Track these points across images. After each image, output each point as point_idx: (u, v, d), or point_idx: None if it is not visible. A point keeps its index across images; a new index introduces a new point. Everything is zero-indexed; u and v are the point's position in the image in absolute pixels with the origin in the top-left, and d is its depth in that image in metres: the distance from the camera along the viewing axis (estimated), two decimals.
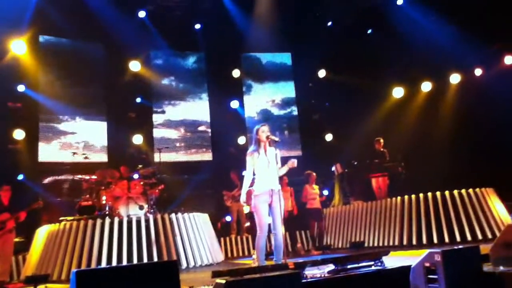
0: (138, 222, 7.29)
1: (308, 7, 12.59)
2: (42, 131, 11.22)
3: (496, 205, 7.83)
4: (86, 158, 9.06)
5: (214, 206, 11.76)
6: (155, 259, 6.94)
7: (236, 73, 13.54)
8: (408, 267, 3.77)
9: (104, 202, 8.08)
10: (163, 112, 13.05)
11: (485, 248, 3.91)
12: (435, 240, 7.43)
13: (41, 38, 11.55)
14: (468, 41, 9.90)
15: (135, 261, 6.82)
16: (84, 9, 10.73)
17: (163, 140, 12.67)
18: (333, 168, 10.26)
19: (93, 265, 6.66)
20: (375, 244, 8.29)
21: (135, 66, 12.06)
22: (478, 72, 11.02)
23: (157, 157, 10.56)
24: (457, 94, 11.32)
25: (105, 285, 2.72)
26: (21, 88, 10.66)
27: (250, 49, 13.70)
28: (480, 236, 7.30)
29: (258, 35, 12.57)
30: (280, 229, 4.88)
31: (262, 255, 4.89)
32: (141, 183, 8.60)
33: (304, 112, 13.99)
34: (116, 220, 7.19)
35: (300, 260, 4.49)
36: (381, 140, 9.76)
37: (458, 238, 7.34)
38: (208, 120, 13.38)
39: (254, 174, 5.03)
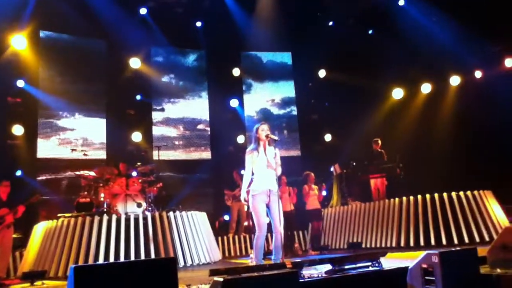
0: (136, 219, 7.28)
1: (309, 6, 12.59)
2: (41, 127, 11.20)
3: (494, 208, 7.85)
4: (85, 154, 9.04)
5: (212, 205, 11.77)
6: (153, 257, 6.93)
7: (236, 71, 13.55)
8: (406, 268, 3.77)
9: (102, 199, 8.08)
10: (163, 109, 13.05)
11: (482, 250, 3.91)
12: (433, 242, 7.44)
13: (42, 34, 11.53)
14: (468, 43, 9.93)
15: (132, 258, 6.80)
16: (85, 5, 10.74)
17: (162, 138, 12.67)
18: (332, 169, 10.27)
19: (90, 262, 6.64)
20: (373, 245, 8.30)
21: (135, 63, 12.05)
22: (478, 74, 11.03)
23: (156, 155, 10.56)
24: (456, 96, 11.33)
25: (103, 281, 2.72)
26: (20, 83, 10.63)
27: (250, 47, 13.71)
28: (477, 239, 7.31)
29: (259, 34, 12.57)
30: (279, 229, 4.87)
31: (260, 255, 4.89)
32: (140, 180, 8.59)
33: (304, 112, 14.00)
34: (114, 217, 7.18)
35: (298, 260, 4.49)
36: (379, 141, 9.78)
37: (455, 240, 7.36)
38: (208, 118, 13.38)
39: (252, 174, 5.03)
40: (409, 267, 3.72)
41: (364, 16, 12.35)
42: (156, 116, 12.92)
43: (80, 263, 6.66)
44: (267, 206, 4.95)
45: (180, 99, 13.30)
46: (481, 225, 7.47)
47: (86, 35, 11.84)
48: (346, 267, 3.94)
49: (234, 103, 13.26)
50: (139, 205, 8.13)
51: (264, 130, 5.03)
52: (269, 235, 5.01)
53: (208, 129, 13.36)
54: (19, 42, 10.41)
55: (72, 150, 9.38)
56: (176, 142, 12.99)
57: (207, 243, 8.04)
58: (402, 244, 7.76)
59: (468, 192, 7.75)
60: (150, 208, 8.20)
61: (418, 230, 7.67)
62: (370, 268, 4.01)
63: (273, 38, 12.83)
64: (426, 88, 11.91)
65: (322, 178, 10.27)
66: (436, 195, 7.77)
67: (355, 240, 8.60)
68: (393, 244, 7.89)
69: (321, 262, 4.01)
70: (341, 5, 12.41)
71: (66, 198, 10.21)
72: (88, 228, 7.03)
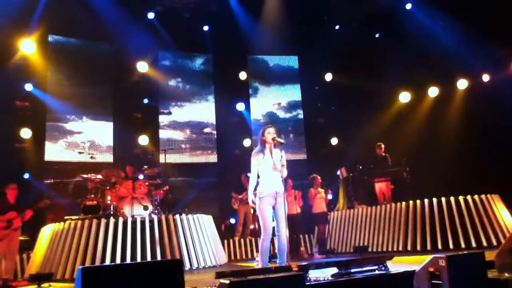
0: (143, 222, 7.30)
1: (316, 10, 12.61)
2: (49, 130, 11.29)
3: (502, 212, 7.80)
4: (92, 158, 9.10)
5: (218, 208, 11.77)
6: (159, 259, 6.94)
7: (242, 75, 13.57)
8: (412, 271, 3.75)
9: (109, 202, 8.11)
10: (169, 113, 13.10)
11: (490, 255, 3.88)
12: (440, 246, 7.40)
13: (50, 38, 11.64)
14: (475, 47, 9.89)
15: (138, 261, 6.82)
16: (92, 9, 10.82)
17: (168, 141, 12.71)
18: (338, 172, 10.26)
19: (97, 264, 6.67)
20: (379, 249, 8.26)
21: (142, 66, 12.11)
22: (485, 78, 10.97)
23: (163, 158, 10.59)
24: (464, 99, 11.28)
25: (110, 282, 2.73)
26: (29, 87, 10.73)
27: (257, 51, 13.74)
28: (485, 243, 7.27)
29: (265, 38, 12.61)
30: (284, 232, 4.87)
31: (265, 258, 4.89)
32: (146, 183, 8.64)
33: (310, 116, 13.98)
34: (121, 220, 7.21)
35: (304, 263, 4.48)
36: (382, 145, 9.75)
37: (462, 244, 7.32)
38: (214, 122, 13.42)
39: (258, 176, 5.03)
40: (416, 271, 3.70)
41: (370, 19, 12.34)
42: (163, 119, 12.98)
43: (87, 265, 6.69)
44: (273, 208, 4.95)
45: (187, 103, 13.36)
46: (489, 229, 7.42)
47: (94, 39, 11.94)
48: (353, 270, 3.92)
49: (240, 106, 13.29)
50: (145, 208, 8.17)
51: (270, 133, 5.03)
52: (274, 238, 4.99)
53: (215, 132, 13.39)
54: (28, 46, 10.51)
55: (80, 153, 9.44)
56: (183, 146, 13.03)
57: (213, 246, 8.04)
58: (408, 248, 7.73)
59: (476, 196, 7.71)
60: (156, 211, 8.23)
61: (425, 234, 7.64)
62: (377, 272, 3.99)
63: (280, 42, 12.86)
64: (433, 91, 11.86)
65: (328, 182, 10.26)
66: (443, 199, 7.73)
67: (361, 244, 8.56)
68: (400, 248, 7.85)
69: (327, 265, 4.00)
70: (347, 8, 12.41)
71: (73, 201, 10.26)
72: (95, 230, 7.06)
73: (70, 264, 6.87)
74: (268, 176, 4.97)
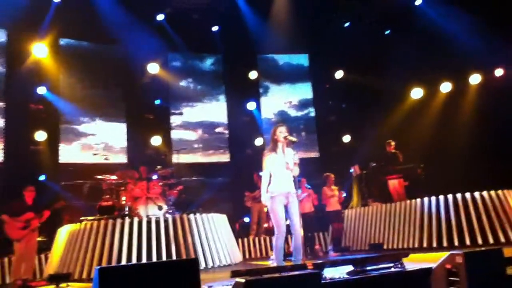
0: (157, 222, 7.35)
1: (325, 8, 12.55)
2: (63, 132, 11.43)
3: None
4: (106, 159, 9.18)
5: (232, 207, 11.80)
6: (174, 258, 6.98)
7: (253, 74, 13.58)
8: (429, 269, 3.73)
9: (124, 202, 8.18)
10: (181, 113, 13.16)
11: (508, 251, 3.84)
12: (456, 243, 7.32)
13: (62, 41, 11.77)
14: (488, 41, 9.75)
15: (154, 260, 6.88)
16: (103, 12, 10.91)
17: (181, 141, 12.78)
18: (352, 170, 10.21)
19: (113, 264, 6.74)
20: (395, 246, 8.21)
21: (153, 68, 12.19)
22: (499, 72, 10.83)
23: (175, 159, 10.66)
24: (477, 94, 11.14)
25: (127, 282, 2.76)
26: (42, 90, 10.86)
27: (267, 50, 13.74)
28: (503, 239, 7.16)
29: (275, 37, 12.60)
30: (299, 230, 4.86)
31: (280, 256, 4.89)
32: (160, 183, 8.69)
33: (321, 114, 13.94)
34: (136, 220, 7.27)
35: (319, 261, 4.48)
36: (392, 143, 9.66)
37: (480, 241, 7.22)
38: (226, 121, 13.46)
39: (271, 175, 5.02)
40: (433, 268, 3.67)
41: (380, 16, 12.25)
42: (175, 120, 13.05)
43: (104, 265, 6.76)
44: (286, 207, 4.95)
45: (198, 103, 13.41)
46: (506, 225, 7.31)
47: (105, 41, 12.03)
48: (368, 268, 3.90)
49: (251, 106, 13.30)
50: (160, 208, 8.22)
51: (282, 132, 5.03)
52: (289, 236, 4.99)
53: (227, 132, 13.43)
54: (40, 50, 10.65)
55: (94, 154, 9.54)
56: (195, 146, 13.09)
57: (228, 245, 8.07)
58: (424, 245, 7.66)
59: (492, 192, 7.61)
60: (171, 211, 8.28)
61: (440, 230, 7.56)
62: (393, 269, 3.97)
63: (290, 40, 12.84)
64: (446, 87, 11.73)
65: (341, 179, 10.22)
66: (458, 195, 7.64)
67: (376, 241, 8.52)
68: (416, 245, 7.79)
69: (343, 263, 3.99)
70: (357, 5, 12.34)
71: (89, 202, 10.37)
72: (111, 231, 7.13)
73: (87, 264, 6.95)
74: (280, 175, 4.97)
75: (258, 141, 12.94)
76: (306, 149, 13.43)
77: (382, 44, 12.24)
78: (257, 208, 10.15)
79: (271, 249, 8.57)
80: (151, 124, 12.40)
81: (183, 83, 13.42)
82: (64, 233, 7.80)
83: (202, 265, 7.24)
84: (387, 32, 12.85)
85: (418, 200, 8.07)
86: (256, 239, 9.97)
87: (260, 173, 5.21)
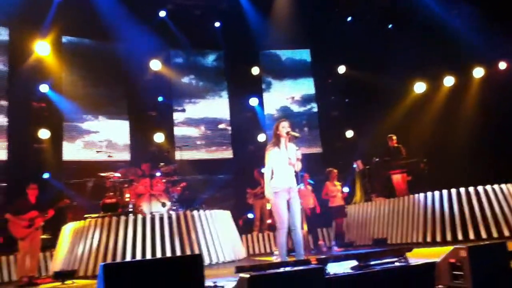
0: (161, 219, 7.38)
1: (327, 2, 12.51)
2: (66, 130, 11.45)
3: None
4: (109, 156, 9.20)
5: (235, 203, 11.82)
6: (178, 255, 7.01)
7: (255, 70, 13.56)
8: (433, 263, 3.73)
9: (127, 199, 8.20)
10: (183, 110, 13.17)
11: None
12: (460, 237, 7.32)
13: (64, 39, 11.78)
14: (491, 34, 9.69)
15: (158, 256, 6.90)
16: (104, 9, 10.90)
17: (184, 138, 12.80)
18: (355, 165, 10.19)
19: (118, 261, 6.77)
20: (398, 241, 8.22)
21: (155, 65, 12.19)
22: (502, 65, 10.77)
23: (178, 155, 10.67)
24: (480, 88, 11.09)
25: (132, 278, 2.77)
26: (45, 88, 10.88)
27: (269, 46, 13.72)
28: (507, 233, 7.15)
29: (277, 32, 12.58)
30: (299, 225, 4.88)
31: (283, 251, 4.90)
32: (163, 180, 8.71)
33: (324, 109, 13.91)
34: (140, 217, 7.30)
35: (323, 256, 4.48)
36: (394, 137, 9.63)
37: (483, 235, 7.22)
38: (228, 118, 13.45)
39: (273, 171, 5.02)
40: (436, 263, 3.67)
41: (383, 10, 12.19)
42: (178, 116, 13.06)
43: (109, 262, 6.78)
44: (288, 202, 4.95)
45: (200, 100, 13.41)
46: (510, 219, 7.29)
47: (106, 39, 12.00)
48: (372, 263, 3.90)
49: (254, 102, 13.28)
50: (163, 205, 8.25)
51: (284, 127, 5.03)
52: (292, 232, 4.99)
53: (229, 128, 13.43)
54: (43, 48, 10.66)
55: (97, 152, 9.57)
56: (198, 142, 13.11)
57: (232, 241, 8.10)
58: (428, 239, 7.67)
59: (495, 186, 7.59)
60: (174, 207, 8.30)
61: (444, 225, 7.55)
62: (396, 264, 3.97)
63: (292, 36, 12.80)
64: (449, 81, 11.67)
65: (344, 174, 10.20)
66: (462, 189, 7.64)
67: (380, 236, 8.52)
68: (419, 240, 7.79)
69: (347, 258, 3.99)
70: (358, 0, 12.29)
71: (92, 200, 10.40)
72: (115, 228, 7.16)
73: (92, 261, 6.99)
74: (283, 170, 4.97)
75: (261, 137, 12.94)
76: (309, 145, 13.42)
77: (385, 38, 12.19)
78: (259, 205, 10.17)
79: (275, 245, 8.60)
80: (154, 121, 12.40)
81: (185, 80, 13.42)
82: (68, 230, 7.83)
83: (206, 261, 7.27)
84: (389, 26, 12.79)
85: (422, 194, 8.06)
86: (260, 235, 9.99)
87: (262, 170, 5.22)
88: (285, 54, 14.23)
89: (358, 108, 12.75)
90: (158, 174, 9.06)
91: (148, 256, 6.93)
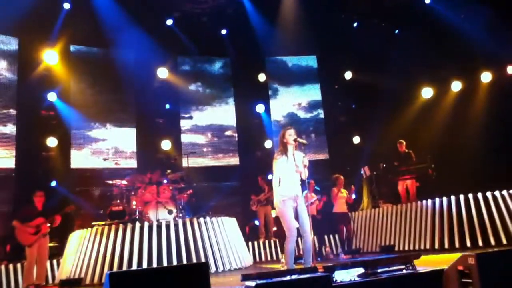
0: (168, 226, 7.36)
1: (333, 8, 12.52)
2: (74, 138, 11.54)
3: None
4: (116, 164, 9.25)
5: (242, 210, 11.80)
6: (184, 262, 6.99)
7: (262, 77, 13.60)
8: (441, 270, 3.69)
9: (134, 207, 8.22)
10: (190, 117, 13.22)
11: None
12: (468, 244, 7.24)
13: (72, 48, 11.91)
14: (498, 38, 9.64)
15: (165, 264, 6.89)
16: (111, 18, 11.00)
17: (190, 145, 12.83)
18: (362, 171, 10.14)
19: (124, 269, 6.76)
20: (406, 248, 8.15)
21: (162, 72, 12.26)
22: (510, 70, 10.69)
23: (185, 162, 10.69)
24: (488, 93, 11.01)
25: (138, 287, 2.78)
26: (53, 96, 10.98)
27: (275, 52, 13.76)
28: None
29: (283, 39, 12.60)
30: (309, 233, 4.85)
31: (290, 259, 4.86)
32: (170, 187, 8.72)
33: (331, 115, 13.90)
34: (146, 224, 7.29)
35: (330, 263, 4.45)
36: (403, 142, 9.60)
37: (492, 242, 7.13)
38: (235, 124, 13.48)
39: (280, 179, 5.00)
40: (445, 270, 3.63)
41: (389, 15, 12.18)
42: (185, 124, 13.11)
43: (115, 269, 6.79)
44: (295, 210, 4.93)
45: (207, 107, 13.46)
46: None
47: (114, 47, 12.11)
48: (379, 270, 3.88)
49: (260, 108, 13.30)
50: (170, 212, 8.25)
51: (291, 134, 5.02)
52: (299, 239, 4.97)
53: (236, 135, 13.44)
54: (51, 57, 10.79)
55: (104, 159, 9.62)
56: (205, 149, 13.13)
57: (238, 248, 8.06)
58: (436, 246, 7.59)
59: (504, 191, 7.50)
60: (181, 215, 8.30)
61: (452, 231, 7.48)
62: (404, 271, 3.93)
63: (298, 42, 12.83)
64: (456, 86, 11.61)
65: (350, 180, 10.14)
66: (470, 195, 7.56)
67: (387, 243, 8.45)
68: (427, 247, 7.72)
69: (354, 265, 3.96)
70: (365, 5, 12.29)
71: (99, 207, 10.44)
72: (122, 235, 7.15)
73: (98, 269, 6.97)
74: (290, 178, 4.96)
75: (268, 144, 12.94)
76: (315, 151, 13.39)
77: (391, 43, 12.16)
78: (263, 212, 10.14)
79: (281, 252, 8.56)
80: (161, 128, 12.48)
81: (192, 87, 13.48)
82: (75, 238, 7.85)
83: (213, 268, 7.24)
84: (396, 31, 12.78)
85: (429, 200, 8.00)
86: (266, 242, 9.94)
87: (269, 177, 5.21)
88: (291, 60, 14.25)
89: (365, 113, 12.71)
90: (165, 181, 9.08)
91: (155, 264, 6.91)
